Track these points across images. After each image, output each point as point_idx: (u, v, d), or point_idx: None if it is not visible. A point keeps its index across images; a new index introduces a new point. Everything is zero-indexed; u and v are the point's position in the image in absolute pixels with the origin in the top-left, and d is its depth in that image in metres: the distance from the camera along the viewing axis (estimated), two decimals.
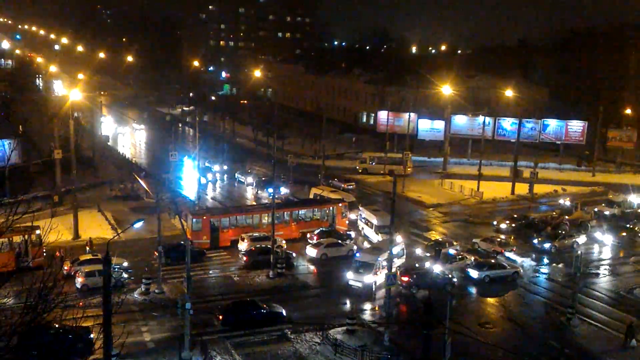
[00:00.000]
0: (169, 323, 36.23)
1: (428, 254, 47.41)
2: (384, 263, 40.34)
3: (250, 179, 70.62)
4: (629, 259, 49.89)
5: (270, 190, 60.21)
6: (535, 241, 51.64)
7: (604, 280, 45.61)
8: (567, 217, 57.04)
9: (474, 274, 44.04)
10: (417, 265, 45.31)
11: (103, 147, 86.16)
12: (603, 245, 53.04)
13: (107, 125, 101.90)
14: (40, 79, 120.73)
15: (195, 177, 63.67)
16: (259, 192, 66.01)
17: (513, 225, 55.33)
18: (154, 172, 69.41)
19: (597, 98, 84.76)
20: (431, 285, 40.76)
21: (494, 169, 78.10)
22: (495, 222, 56.54)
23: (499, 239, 50.94)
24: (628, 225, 55.35)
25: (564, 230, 53.53)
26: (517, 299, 42.09)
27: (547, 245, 50.50)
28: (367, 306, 39.92)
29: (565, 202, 61.55)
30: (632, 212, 59.33)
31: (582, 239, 52.42)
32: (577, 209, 59.07)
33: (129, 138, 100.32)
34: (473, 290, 43.24)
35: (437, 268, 43.68)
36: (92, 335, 32.52)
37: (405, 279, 42.19)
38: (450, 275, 42.96)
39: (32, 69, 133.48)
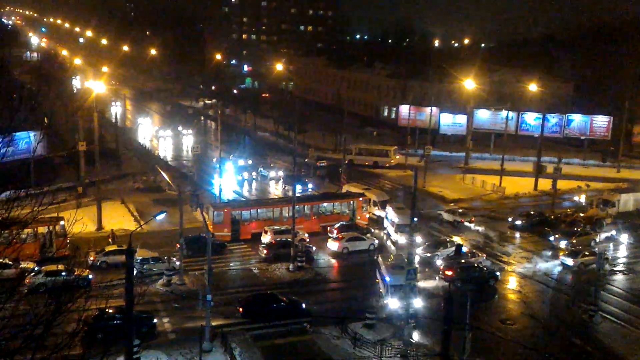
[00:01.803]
0: (189, 314, 36.56)
1: (428, 254, 46.41)
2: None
3: (273, 173, 70.63)
4: None
5: (298, 186, 60.48)
6: (552, 238, 51.12)
7: (624, 278, 45.06)
8: (581, 214, 56.36)
9: (569, 262, 45.87)
10: (461, 259, 44.95)
11: (127, 139, 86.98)
12: (620, 243, 52.21)
13: (146, 127, 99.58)
14: (77, 78, 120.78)
15: (234, 176, 64.60)
16: (287, 186, 65.73)
17: (528, 221, 54.78)
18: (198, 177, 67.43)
19: (623, 93, 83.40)
20: (475, 279, 41.32)
21: (517, 164, 77.34)
22: (510, 219, 56.07)
23: (460, 210, 56.57)
24: None
25: (579, 227, 52.94)
26: (538, 295, 41.79)
27: (563, 243, 49.91)
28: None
29: (580, 199, 60.73)
30: None
31: (600, 237, 51.79)
32: (593, 206, 58.14)
33: (171, 142, 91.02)
34: (569, 277, 44.44)
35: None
36: (155, 320, 33.77)
37: (449, 273, 42.00)
38: (493, 269, 43.23)
39: (57, 61, 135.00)
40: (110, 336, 29.56)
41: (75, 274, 38.44)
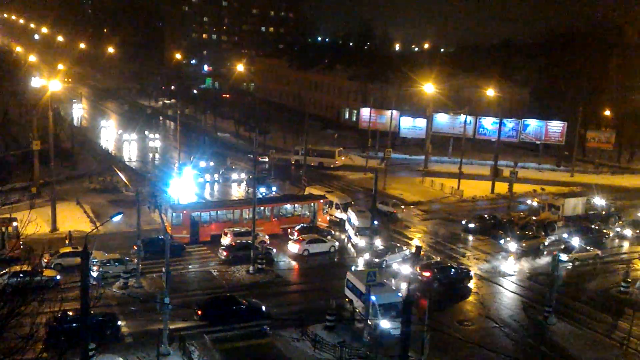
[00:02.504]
0: (147, 317, 35.99)
1: (376, 260, 44.90)
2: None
3: (236, 176, 69.56)
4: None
5: (263, 189, 60.14)
6: (502, 241, 51.61)
7: (579, 280, 46.13)
8: (534, 217, 57.10)
9: (563, 257, 46.68)
10: (437, 260, 45.89)
11: (83, 139, 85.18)
12: (571, 246, 51.97)
13: (109, 131, 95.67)
14: (36, 77, 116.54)
15: (195, 178, 63.74)
16: (250, 189, 64.87)
17: (481, 225, 55.24)
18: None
19: (577, 99, 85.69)
20: (452, 279, 42.34)
21: (475, 167, 78.67)
22: (463, 222, 56.68)
23: (393, 201, 61.55)
24: (593, 226, 55.36)
25: (531, 230, 53.89)
26: (495, 297, 42.53)
27: (513, 246, 50.46)
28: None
29: (533, 202, 61.44)
30: (597, 214, 58.86)
31: (548, 240, 52.63)
32: (545, 210, 58.64)
33: (136, 147, 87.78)
34: (563, 273, 44.69)
35: (407, 269, 43.47)
36: (120, 322, 33.16)
37: (427, 274, 42.45)
38: (468, 269, 44.23)
39: (10, 58, 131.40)
40: (73, 339, 29.06)
41: (44, 274, 38.30)
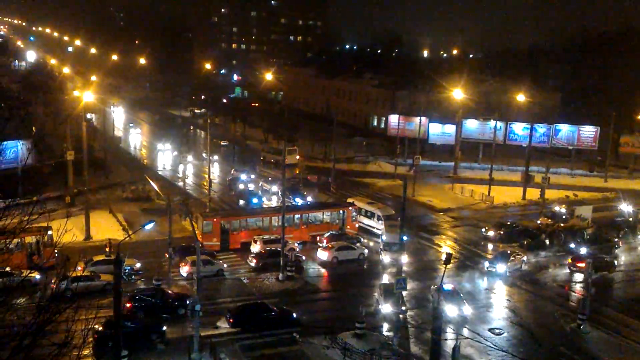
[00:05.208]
0: (178, 324, 36.39)
1: (390, 305, 37.26)
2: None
3: (275, 188, 65.84)
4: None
5: (298, 199, 60.22)
6: (487, 263, 47.01)
7: (612, 287, 45.31)
8: (562, 224, 54.72)
9: None
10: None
11: (115, 148, 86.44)
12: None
13: (166, 153, 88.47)
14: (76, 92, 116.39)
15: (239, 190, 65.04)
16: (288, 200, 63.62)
17: (502, 232, 53.53)
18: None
19: (610, 103, 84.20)
20: (600, 269, 44.95)
21: (505, 173, 77.79)
22: (483, 230, 55.42)
23: (317, 176, 71.85)
24: (608, 236, 53.38)
25: (559, 238, 52.54)
26: (527, 303, 41.98)
27: (500, 268, 45.83)
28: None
29: (561, 209, 57.90)
30: (623, 221, 57.27)
31: (527, 258, 48.63)
32: (573, 217, 56.01)
33: (192, 170, 79.85)
34: None
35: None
36: (164, 328, 33.88)
37: (581, 265, 43.79)
38: (612, 260, 47.41)
39: (45, 70, 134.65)
40: (122, 344, 29.73)
41: (101, 278, 39.45)
